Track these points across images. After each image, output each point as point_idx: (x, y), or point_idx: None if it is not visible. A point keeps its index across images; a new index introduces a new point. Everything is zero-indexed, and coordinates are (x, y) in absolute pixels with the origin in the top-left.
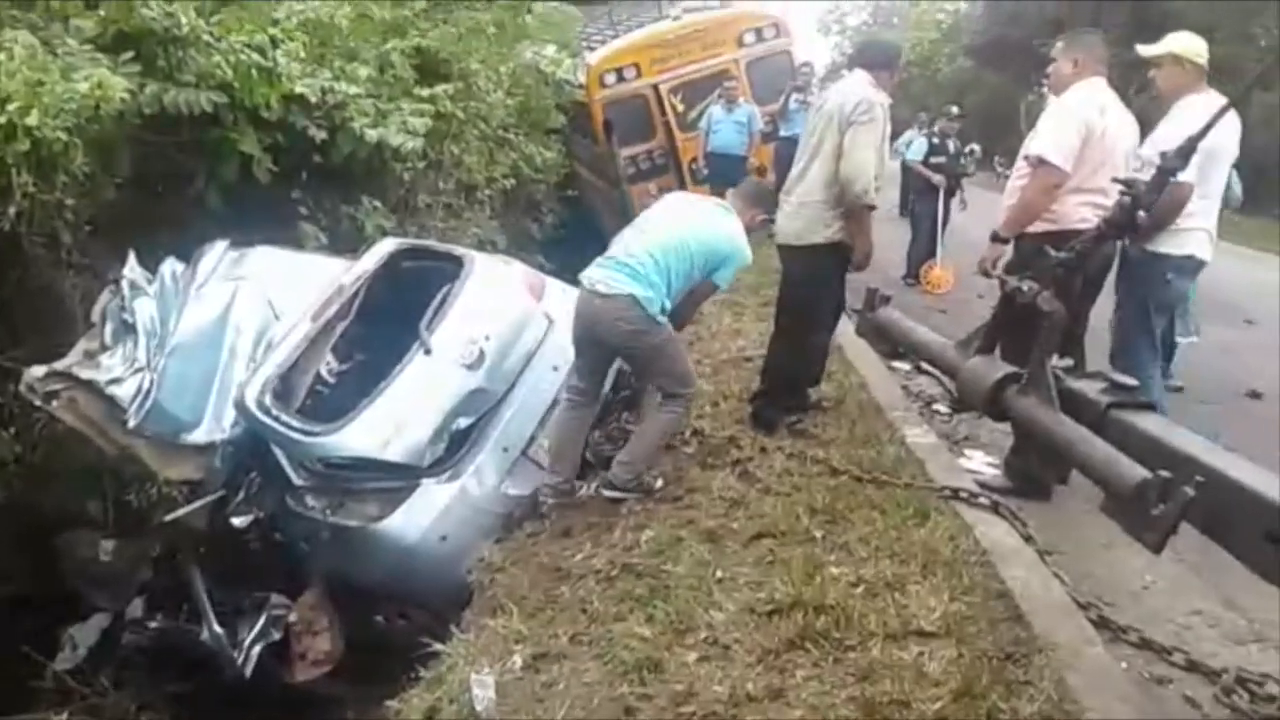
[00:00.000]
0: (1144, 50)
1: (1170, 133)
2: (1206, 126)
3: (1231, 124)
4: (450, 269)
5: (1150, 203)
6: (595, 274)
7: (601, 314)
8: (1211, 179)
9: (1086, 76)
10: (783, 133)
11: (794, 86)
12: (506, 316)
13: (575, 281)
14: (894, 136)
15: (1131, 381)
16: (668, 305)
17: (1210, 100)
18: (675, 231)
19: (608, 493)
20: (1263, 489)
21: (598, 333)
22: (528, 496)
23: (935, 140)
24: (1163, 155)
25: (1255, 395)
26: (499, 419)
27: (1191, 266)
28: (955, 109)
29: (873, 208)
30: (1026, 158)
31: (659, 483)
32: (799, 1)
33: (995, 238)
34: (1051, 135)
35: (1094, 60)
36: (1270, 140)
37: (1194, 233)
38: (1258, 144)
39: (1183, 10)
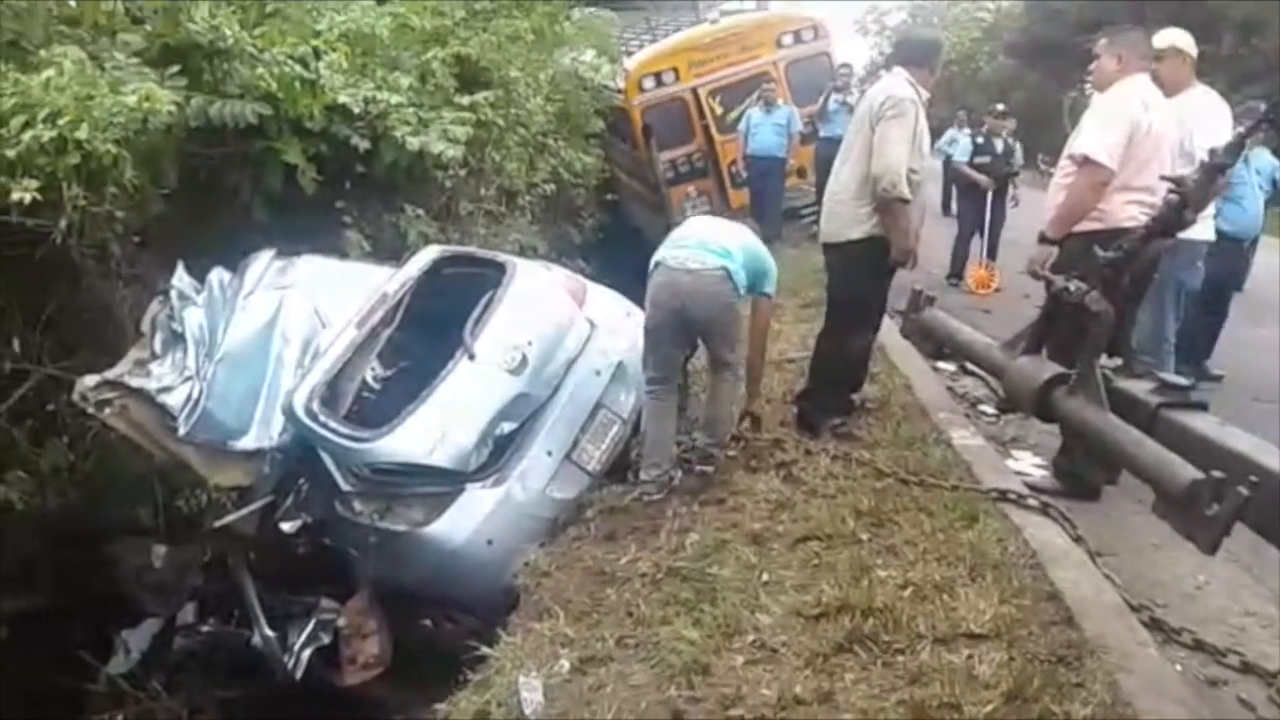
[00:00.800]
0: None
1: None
2: (1257, 122)
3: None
4: (492, 275)
5: (1200, 200)
6: (681, 254)
7: (699, 290)
8: None
9: (1130, 73)
10: (823, 134)
11: (833, 87)
12: (549, 321)
13: (616, 285)
14: (935, 134)
15: (1183, 381)
16: (746, 284)
17: (1207, 95)
18: (739, 234)
19: (706, 468)
20: None
21: (691, 308)
22: (572, 500)
23: (980, 140)
24: (1212, 152)
25: None
26: (543, 423)
27: (1207, 249)
28: (1001, 107)
29: (905, 201)
30: (1072, 156)
31: (731, 450)
32: (837, 2)
33: (1043, 238)
34: (1097, 133)
35: (1138, 57)
36: None
37: (1208, 219)
38: None
39: (1227, 9)
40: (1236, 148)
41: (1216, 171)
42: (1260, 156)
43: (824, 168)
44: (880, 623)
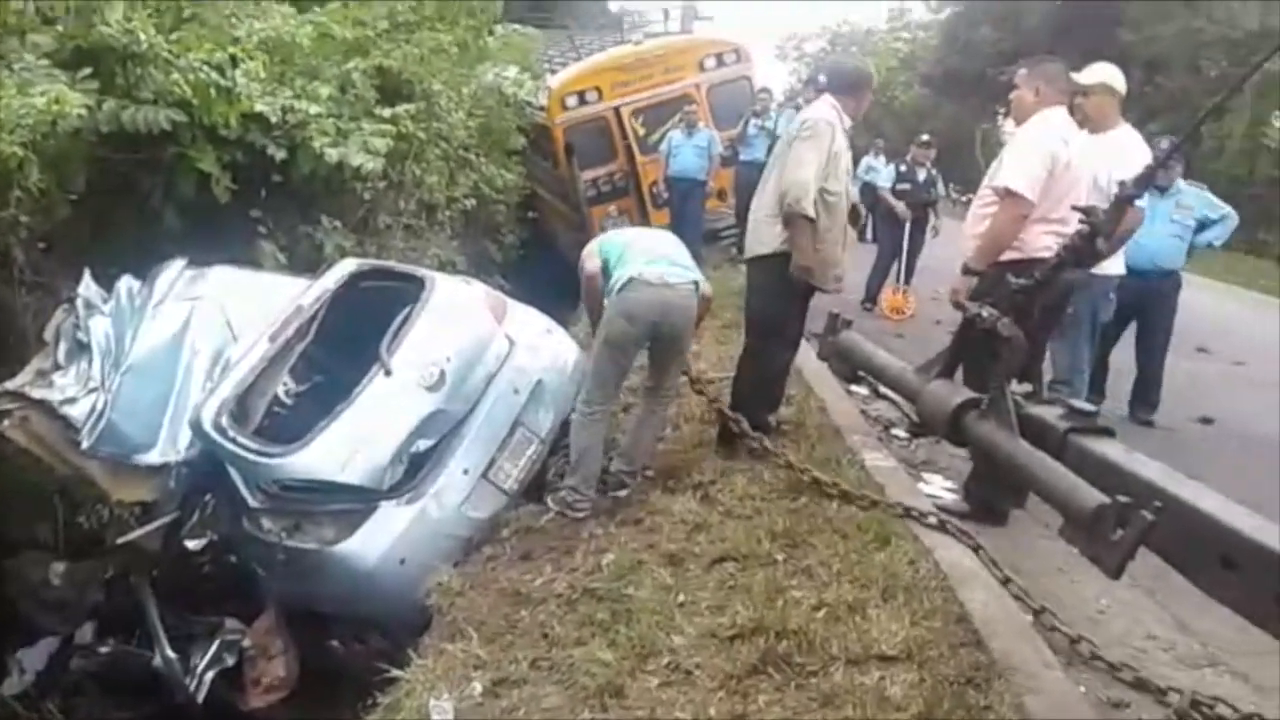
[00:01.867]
0: (1078, 77)
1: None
2: (1166, 156)
3: (1147, 158)
4: (411, 290)
5: (1110, 231)
6: (658, 270)
7: (681, 305)
8: None
9: (1048, 105)
10: (742, 158)
11: (753, 112)
12: (468, 338)
13: (536, 302)
14: (855, 162)
15: (1090, 408)
16: None
17: (1130, 135)
18: (679, 244)
19: (619, 493)
20: (1219, 515)
21: (669, 324)
22: (488, 519)
23: (903, 168)
24: (1121, 184)
25: (1207, 421)
26: (460, 441)
27: (1118, 283)
28: (925, 137)
29: (808, 218)
30: (993, 188)
31: (649, 471)
32: (758, 27)
33: (966, 270)
34: (1018, 166)
35: (1056, 90)
36: (1228, 171)
37: (1119, 255)
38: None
39: (1136, 44)
40: (1145, 180)
41: (1126, 204)
42: (1187, 194)
43: (743, 191)
44: (794, 644)
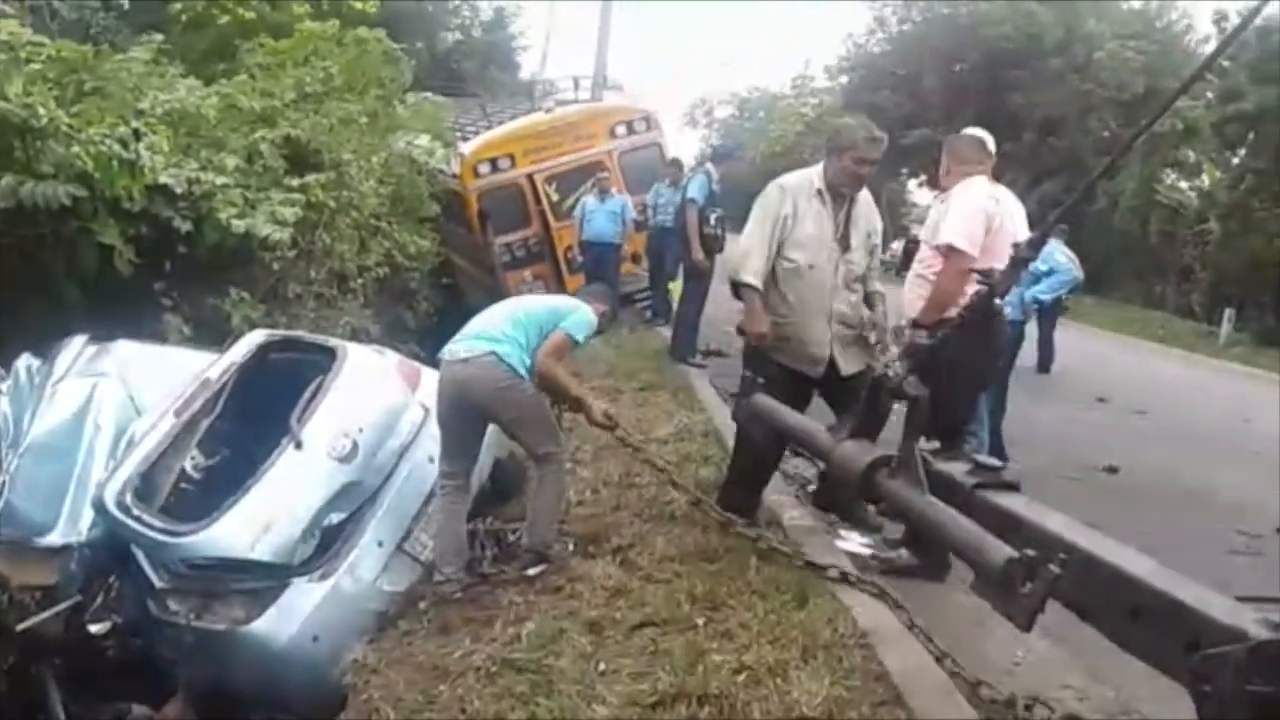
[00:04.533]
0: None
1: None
2: (1057, 217)
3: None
4: (322, 360)
5: (1005, 289)
6: (455, 347)
7: (470, 378)
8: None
9: (973, 173)
10: (652, 222)
11: (670, 179)
12: (380, 407)
13: None
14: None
15: (995, 463)
16: (528, 362)
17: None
18: (517, 306)
19: (530, 572)
20: (1125, 565)
21: (468, 399)
22: (404, 592)
23: None
24: (1015, 246)
25: (1112, 470)
26: (374, 513)
27: None
28: None
29: (748, 285)
30: (936, 247)
31: (570, 547)
32: (667, 95)
33: (915, 324)
34: (959, 225)
35: (980, 156)
36: (1122, 226)
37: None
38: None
39: (1028, 108)
40: (1038, 243)
41: (1021, 264)
42: None
43: (655, 256)
44: (716, 709)
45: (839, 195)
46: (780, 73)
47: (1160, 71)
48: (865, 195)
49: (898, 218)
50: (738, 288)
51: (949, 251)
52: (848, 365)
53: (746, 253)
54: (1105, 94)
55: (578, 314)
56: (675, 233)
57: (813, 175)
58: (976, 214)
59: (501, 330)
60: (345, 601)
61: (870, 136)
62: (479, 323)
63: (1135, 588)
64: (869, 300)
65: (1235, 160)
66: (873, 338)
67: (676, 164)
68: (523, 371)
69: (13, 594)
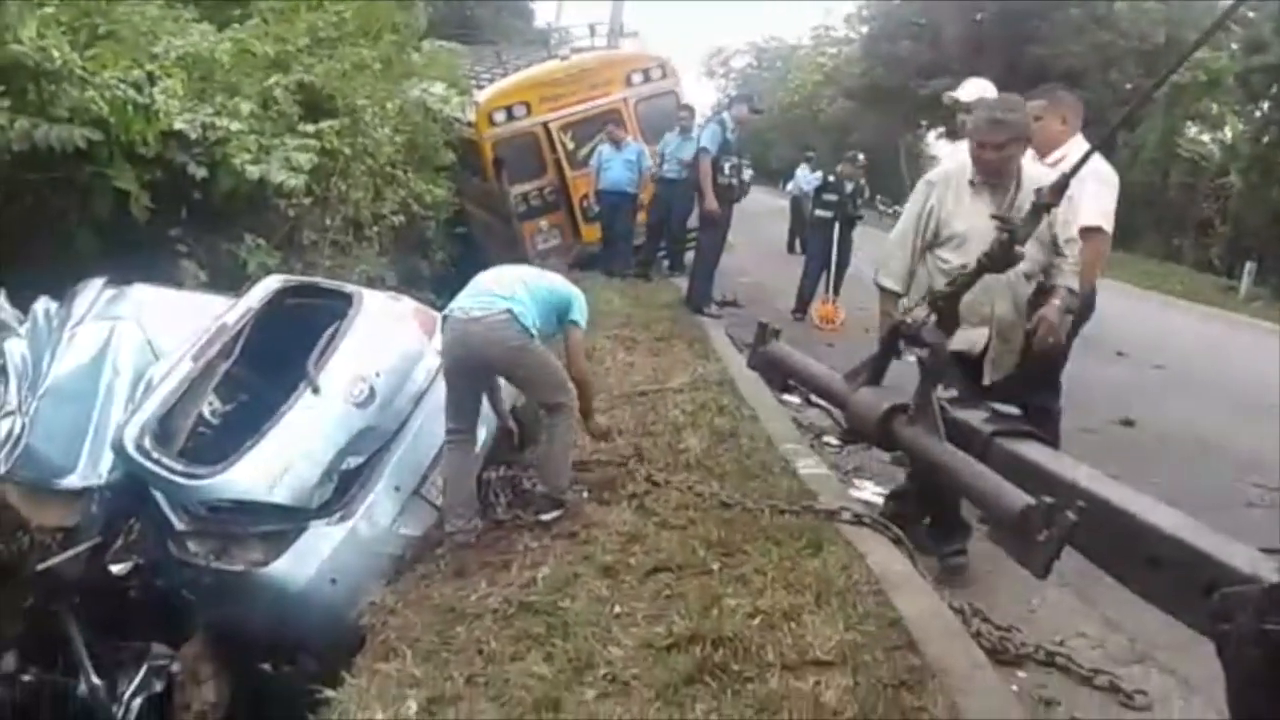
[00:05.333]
0: (961, 95)
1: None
2: (1078, 165)
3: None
4: (339, 306)
5: (1025, 237)
6: (465, 303)
7: (480, 335)
8: None
9: (1072, 134)
10: (660, 174)
11: (681, 128)
12: (397, 353)
13: None
14: (785, 175)
15: (1014, 410)
16: (539, 324)
17: (1081, 145)
18: (523, 272)
19: (545, 517)
20: (1143, 513)
21: (479, 356)
22: (420, 536)
23: (831, 178)
24: (1037, 192)
25: (1128, 423)
26: (390, 457)
27: None
28: (861, 156)
29: (887, 290)
30: (1084, 228)
31: (584, 494)
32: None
33: (1071, 292)
34: (1097, 206)
35: (1076, 117)
36: (1142, 179)
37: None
38: (1131, 182)
39: (1052, 59)
40: (1060, 189)
41: (1043, 211)
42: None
43: (661, 207)
44: (730, 652)
45: (992, 185)
46: (798, 23)
47: (1181, 22)
48: (1037, 176)
49: (914, 171)
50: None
51: (1094, 233)
52: (991, 372)
53: (888, 254)
54: (1126, 45)
55: (578, 301)
56: (681, 184)
57: (966, 164)
58: (1110, 191)
59: (513, 290)
60: (362, 544)
61: (992, 118)
62: (488, 282)
63: (1153, 536)
64: (1042, 296)
65: (1259, 113)
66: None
67: (689, 110)
68: (534, 331)
69: (33, 535)
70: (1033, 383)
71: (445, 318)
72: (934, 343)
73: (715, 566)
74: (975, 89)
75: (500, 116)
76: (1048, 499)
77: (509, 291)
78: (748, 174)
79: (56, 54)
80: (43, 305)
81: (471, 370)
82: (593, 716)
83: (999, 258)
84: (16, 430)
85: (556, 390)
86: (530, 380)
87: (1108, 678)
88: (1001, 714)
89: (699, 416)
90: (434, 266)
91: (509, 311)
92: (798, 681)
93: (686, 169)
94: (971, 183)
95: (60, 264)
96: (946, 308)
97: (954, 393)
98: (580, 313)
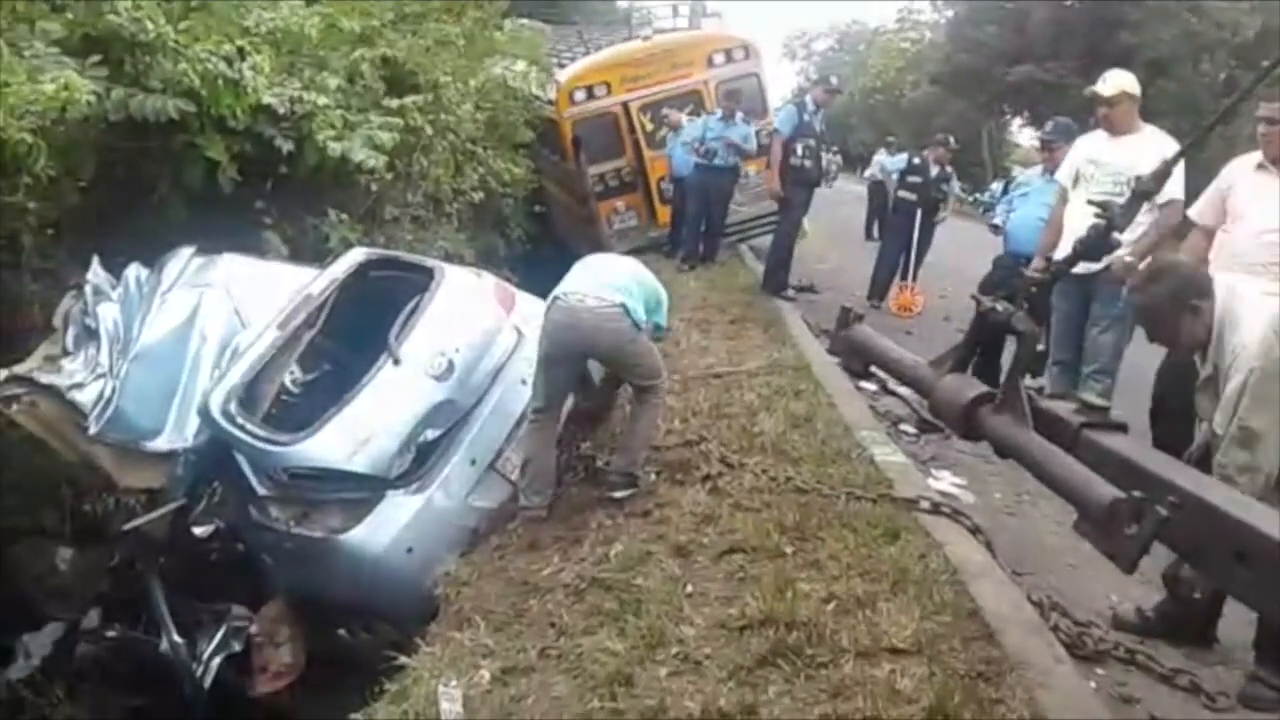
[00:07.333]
0: (1101, 89)
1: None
2: (1180, 153)
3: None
4: (420, 280)
5: (1124, 225)
6: (580, 290)
7: (592, 323)
8: None
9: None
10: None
11: (721, 109)
12: (476, 328)
13: (543, 295)
14: (864, 162)
15: (1104, 403)
16: (645, 318)
17: (1155, 133)
18: (630, 268)
19: (619, 495)
20: (1232, 509)
21: (588, 341)
22: (495, 509)
23: (916, 160)
24: (1137, 179)
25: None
26: (467, 431)
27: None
28: (952, 139)
29: None
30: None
31: (653, 476)
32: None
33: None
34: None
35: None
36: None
37: None
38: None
39: (1138, 46)
40: (1161, 176)
41: (1142, 198)
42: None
43: (700, 194)
44: (803, 636)
45: None
46: (881, 7)
47: (1275, 12)
48: None
49: (999, 159)
50: None
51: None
52: None
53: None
54: (1218, 34)
55: (665, 304)
56: (724, 171)
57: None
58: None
59: (627, 286)
60: (438, 515)
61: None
62: (603, 272)
63: (1242, 531)
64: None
65: None
66: None
67: (732, 96)
68: (641, 325)
69: (120, 496)
70: None
71: (554, 301)
72: (1025, 331)
73: (789, 550)
74: (1116, 82)
75: (581, 95)
76: (1137, 493)
77: (622, 285)
78: (829, 159)
79: (151, 25)
80: (134, 271)
81: (576, 355)
82: (664, 693)
83: (1097, 244)
84: (107, 393)
85: (653, 374)
86: (634, 368)
87: (1189, 677)
88: (1080, 710)
89: (774, 400)
90: (510, 244)
91: (623, 305)
92: (872, 668)
93: (732, 153)
94: (1260, 166)
95: (150, 232)
96: (1038, 296)
97: (1042, 382)
98: (663, 315)
